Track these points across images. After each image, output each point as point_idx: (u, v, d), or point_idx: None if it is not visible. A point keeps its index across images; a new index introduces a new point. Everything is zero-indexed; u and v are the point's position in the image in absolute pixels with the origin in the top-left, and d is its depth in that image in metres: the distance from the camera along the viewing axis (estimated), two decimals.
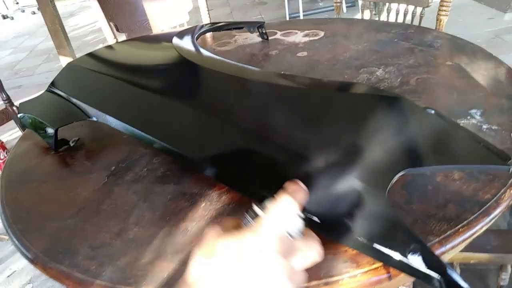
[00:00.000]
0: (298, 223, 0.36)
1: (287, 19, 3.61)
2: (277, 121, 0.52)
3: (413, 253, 0.37)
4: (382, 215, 0.40)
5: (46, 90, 0.82)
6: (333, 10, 3.42)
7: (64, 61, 2.65)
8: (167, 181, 0.64)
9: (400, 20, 1.26)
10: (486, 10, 3.21)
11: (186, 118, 0.60)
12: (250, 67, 0.68)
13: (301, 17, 3.25)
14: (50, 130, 0.74)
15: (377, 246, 0.38)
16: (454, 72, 0.80)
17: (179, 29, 1.02)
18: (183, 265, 0.49)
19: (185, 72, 0.67)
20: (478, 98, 0.71)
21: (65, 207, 0.62)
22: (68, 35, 2.67)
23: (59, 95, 0.77)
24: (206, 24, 1.08)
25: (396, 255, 0.38)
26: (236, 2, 4.67)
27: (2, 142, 1.27)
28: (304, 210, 0.39)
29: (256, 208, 0.37)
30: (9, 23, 5.82)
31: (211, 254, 0.34)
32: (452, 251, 0.49)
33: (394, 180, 0.43)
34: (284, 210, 0.36)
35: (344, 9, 3.46)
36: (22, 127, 0.83)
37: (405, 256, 0.37)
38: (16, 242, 0.58)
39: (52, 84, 0.81)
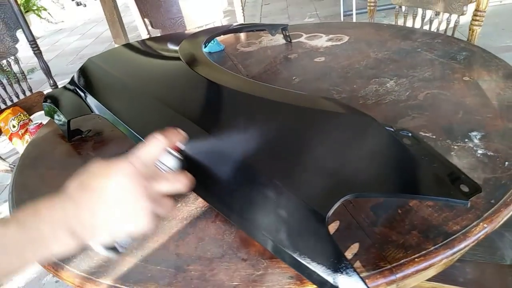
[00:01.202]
0: (170, 159, 0.45)
1: (341, 16, 3.53)
2: (236, 129, 0.53)
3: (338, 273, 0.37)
4: (317, 235, 0.40)
5: (68, 83, 0.88)
6: (388, 9, 3.29)
7: None
8: None
9: (434, 27, 1.19)
10: None
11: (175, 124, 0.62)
12: (243, 78, 0.69)
13: (354, 15, 3.16)
14: (65, 120, 0.81)
15: (301, 259, 0.39)
16: (468, 89, 0.75)
17: (204, 28, 1.05)
18: (144, 261, 0.52)
19: (184, 81, 0.70)
20: (483, 119, 0.66)
21: None
22: (126, 27, 2.82)
23: (76, 88, 0.83)
24: (230, 25, 1.10)
25: (318, 271, 0.38)
26: None
27: (42, 124, 1.38)
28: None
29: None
30: (82, 10, 6.24)
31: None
32: (408, 280, 0.47)
33: (339, 203, 0.42)
34: (158, 143, 0.44)
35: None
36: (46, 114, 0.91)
37: (328, 276, 0.37)
38: None
39: (73, 77, 0.87)
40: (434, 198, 0.44)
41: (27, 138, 1.39)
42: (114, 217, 0.40)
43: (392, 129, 0.52)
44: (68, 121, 0.80)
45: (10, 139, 1.41)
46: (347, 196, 0.42)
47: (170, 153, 0.45)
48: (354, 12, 3.15)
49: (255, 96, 0.59)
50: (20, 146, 1.41)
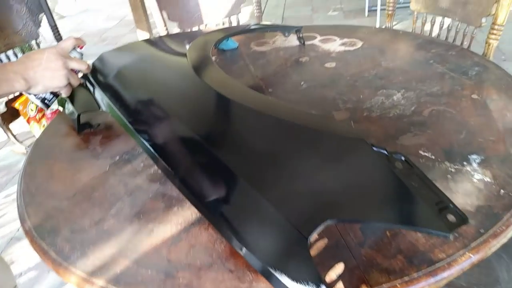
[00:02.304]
0: (77, 53, 0.84)
1: (366, 11, 3.47)
2: (226, 140, 0.54)
3: None
4: (297, 256, 0.41)
5: (82, 77, 0.91)
6: (403, 7, 3.22)
7: (141, 35, 2.83)
8: (155, 179, 0.69)
9: (451, 36, 1.16)
10: None
11: (175, 132, 0.64)
12: (248, 90, 0.69)
13: (378, 11, 3.10)
14: (76, 113, 0.83)
15: (281, 278, 0.40)
16: (474, 108, 0.74)
17: (217, 27, 1.06)
18: (136, 263, 0.54)
19: (189, 86, 0.71)
20: (485, 142, 0.66)
21: (66, 188, 0.70)
22: (148, 12, 2.83)
23: (87, 83, 0.85)
24: (244, 25, 1.10)
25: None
26: None
27: (59, 110, 1.42)
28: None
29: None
30: None
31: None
32: None
33: (322, 227, 0.43)
34: (70, 43, 0.81)
35: None
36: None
37: None
38: (20, 212, 0.67)
39: None
40: (416, 228, 0.45)
41: (44, 122, 1.44)
42: (45, 76, 0.75)
43: (385, 152, 0.52)
44: (79, 115, 0.83)
45: (28, 122, 1.46)
46: (329, 221, 0.43)
47: (76, 49, 0.83)
48: (378, 8, 3.09)
49: (252, 109, 0.60)
50: (37, 130, 1.45)
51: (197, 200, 0.55)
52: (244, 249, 0.44)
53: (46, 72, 0.75)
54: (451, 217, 0.46)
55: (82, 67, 0.81)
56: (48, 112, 1.43)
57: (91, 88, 0.84)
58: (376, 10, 3.18)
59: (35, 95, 0.79)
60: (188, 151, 0.61)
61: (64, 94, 0.81)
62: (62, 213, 0.65)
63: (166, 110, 0.65)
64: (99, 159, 0.77)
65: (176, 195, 0.64)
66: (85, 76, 0.89)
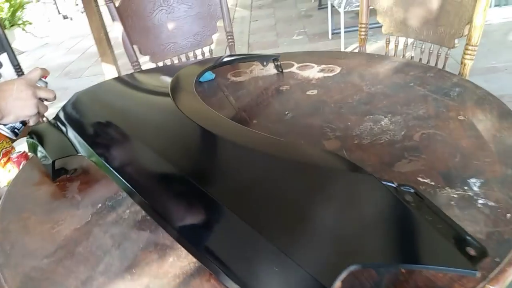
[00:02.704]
0: (42, 82, 0.89)
1: (329, 34, 3.56)
2: (234, 187, 0.51)
3: None
4: None
5: (53, 118, 0.85)
6: (375, 27, 3.34)
7: (106, 68, 2.77)
8: (144, 227, 0.64)
9: (425, 57, 1.19)
10: None
11: (158, 170, 0.60)
12: (236, 125, 0.67)
13: (342, 34, 3.18)
14: (49, 159, 0.77)
15: None
16: (463, 130, 0.75)
17: (192, 61, 1.03)
18: None
19: (173, 123, 0.68)
20: (482, 164, 0.65)
21: (45, 244, 0.64)
22: (113, 43, 2.79)
23: (61, 126, 0.80)
24: (220, 57, 1.08)
25: None
26: (282, 14, 4.67)
27: (26, 153, 1.34)
28: None
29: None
30: (68, 24, 6.18)
31: None
32: None
33: (344, 275, 0.40)
34: (37, 74, 0.87)
35: None
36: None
37: None
38: None
39: (58, 113, 0.84)
40: (441, 269, 0.43)
41: (9, 167, 1.34)
42: (17, 106, 0.80)
43: (393, 185, 0.50)
44: (53, 161, 0.77)
45: None
46: (353, 266, 0.40)
47: (42, 79, 0.89)
48: (342, 30, 3.18)
49: (254, 149, 0.57)
50: (1, 174, 1.36)
51: (197, 249, 0.51)
52: None
53: (17, 102, 0.80)
54: (470, 251, 0.44)
55: (49, 95, 0.86)
56: (14, 155, 1.34)
57: (64, 130, 0.79)
58: (339, 32, 3.27)
59: (4, 125, 0.85)
60: (182, 195, 0.57)
61: (32, 122, 0.86)
62: (43, 273, 0.58)
63: (154, 151, 0.61)
64: (79, 209, 0.71)
65: (170, 243, 0.60)
66: (57, 118, 0.84)
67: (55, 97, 0.87)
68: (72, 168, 0.82)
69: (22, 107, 0.80)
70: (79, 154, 0.75)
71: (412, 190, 0.49)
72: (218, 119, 0.67)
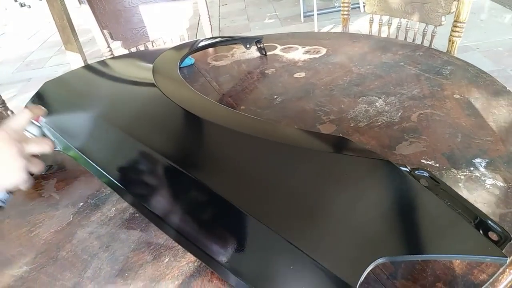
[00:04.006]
0: (34, 128, 0.63)
1: (302, 17, 3.52)
2: (243, 181, 0.46)
3: None
4: None
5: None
6: (352, 8, 3.33)
7: (72, 57, 2.62)
8: (133, 226, 0.58)
9: (410, 36, 1.17)
10: (510, 15, 3.06)
11: (147, 162, 0.54)
12: (225, 108, 0.62)
13: (315, 16, 3.15)
14: None
15: None
16: (461, 108, 0.73)
17: (171, 45, 0.97)
18: None
19: (159, 110, 0.62)
20: (484, 143, 0.63)
21: (24, 250, 0.57)
22: (77, 29, 2.64)
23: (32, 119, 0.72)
24: (200, 40, 1.02)
25: None
26: None
27: None
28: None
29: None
30: (26, 12, 5.84)
31: None
32: None
33: (369, 269, 0.37)
34: (23, 118, 0.59)
35: (361, 10, 3.35)
36: None
37: None
38: None
39: (28, 104, 0.76)
40: (470, 257, 0.40)
41: None
42: None
43: (407, 169, 0.47)
44: None
45: None
46: (380, 260, 0.37)
47: (33, 123, 0.63)
48: (315, 13, 3.14)
49: (258, 138, 0.52)
50: None
51: (198, 247, 0.46)
52: None
53: None
54: (492, 235, 0.41)
55: (45, 148, 0.59)
56: None
57: (36, 125, 0.72)
58: (312, 15, 3.23)
59: None
60: (176, 188, 0.51)
61: (24, 188, 0.59)
62: (24, 282, 0.52)
63: (142, 141, 0.55)
64: (58, 209, 0.64)
65: (164, 242, 0.55)
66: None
67: (53, 147, 0.61)
68: (47, 165, 0.74)
69: (5, 175, 0.54)
70: (54, 150, 0.68)
71: (427, 174, 0.46)
72: (211, 105, 0.62)
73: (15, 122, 0.58)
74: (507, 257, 0.38)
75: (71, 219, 0.62)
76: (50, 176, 0.73)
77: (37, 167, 0.58)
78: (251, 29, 3.61)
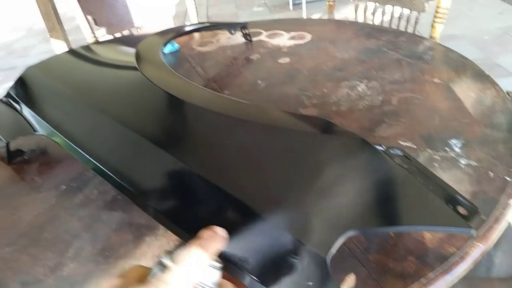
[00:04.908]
0: (212, 274, 0.33)
1: (291, 5, 3.51)
2: (221, 159, 0.47)
3: None
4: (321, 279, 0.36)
5: (5, 96, 0.77)
6: None
7: (57, 44, 2.59)
8: (115, 208, 0.59)
9: (395, 23, 1.18)
10: (497, 3, 3.08)
11: (131, 146, 0.54)
12: (208, 91, 0.62)
13: (304, 4, 3.14)
14: (3, 142, 0.70)
15: None
16: (440, 92, 0.74)
17: (154, 31, 0.96)
18: None
19: (142, 94, 0.62)
20: (461, 125, 0.65)
21: (5, 232, 0.58)
22: (62, 17, 2.60)
23: (14, 103, 0.72)
24: (184, 26, 1.02)
25: None
26: None
27: None
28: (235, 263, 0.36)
29: (165, 259, 0.32)
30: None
31: None
32: None
33: (341, 242, 0.38)
34: (197, 260, 0.32)
35: None
36: None
37: None
38: None
39: (10, 91, 0.76)
40: (439, 229, 0.41)
41: None
42: None
43: (382, 148, 0.48)
44: (7, 142, 0.69)
45: None
46: (350, 232, 0.38)
47: (212, 265, 0.33)
48: (303, 1, 3.13)
49: (235, 118, 0.53)
50: None
51: (178, 225, 0.47)
52: (251, 281, 0.37)
53: None
54: (462, 210, 0.43)
55: None
56: None
57: (18, 108, 0.71)
58: (300, 3, 3.22)
59: None
60: (160, 170, 0.52)
61: None
62: (6, 263, 0.53)
63: (125, 125, 0.56)
64: (41, 192, 0.65)
65: (145, 222, 0.56)
66: (9, 95, 0.75)
67: None
68: (29, 149, 0.75)
69: None
70: (36, 133, 0.68)
71: (400, 153, 0.48)
72: (194, 88, 0.62)
73: (186, 269, 0.31)
74: (472, 228, 0.39)
75: (53, 201, 0.62)
76: (33, 160, 0.73)
77: None
78: (240, 17, 3.59)
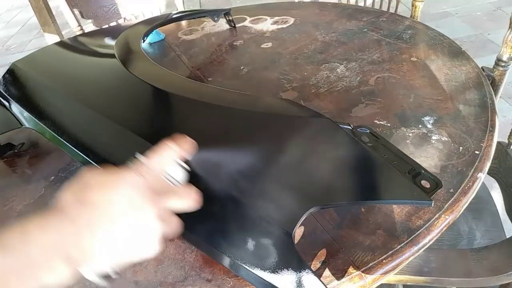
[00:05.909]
0: (180, 172, 0.39)
1: None
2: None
3: None
4: (286, 257, 0.38)
5: None
6: None
7: (50, 38, 2.59)
8: None
9: (378, 2, 1.19)
10: None
11: (115, 136, 0.56)
12: (185, 79, 0.64)
13: None
14: None
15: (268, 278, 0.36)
16: (416, 70, 0.75)
17: (135, 21, 0.97)
18: None
19: (121, 84, 0.64)
20: (434, 102, 0.66)
21: None
22: (55, 11, 2.60)
23: (2, 98, 0.74)
24: (167, 14, 1.03)
25: None
26: None
27: None
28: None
29: (138, 155, 0.36)
30: None
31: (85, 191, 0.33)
32: (377, 282, 0.47)
33: (304, 218, 0.40)
34: (168, 152, 0.38)
35: None
36: None
37: None
38: None
39: None
40: (398, 202, 0.44)
41: None
42: (118, 238, 0.32)
43: (350, 127, 0.50)
44: None
45: None
46: (313, 209, 0.40)
47: (179, 164, 0.38)
48: None
49: (202, 102, 0.55)
50: None
51: None
52: (226, 259, 0.40)
53: (119, 231, 0.32)
54: (425, 183, 0.45)
55: (190, 204, 0.37)
56: None
57: (5, 104, 0.73)
58: None
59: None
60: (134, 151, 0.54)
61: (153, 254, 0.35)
62: None
63: (104, 115, 0.58)
64: (30, 183, 0.67)
65: None
66: None
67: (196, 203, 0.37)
68: (19, 143, 0.77)
69: (131, 240, 0.33)
70: (25, 127, 0.70)
71: (367, 131, 0.50)
72: (169, 76, 0.64)
73: (157, 161, 0.37)
74: (432, 200, 0.41)
75: (42, 192, 0.64)
76: (23, 153, 0.75)
77: (174, 229, 0.36)
78: (232, 3, 3.57)
